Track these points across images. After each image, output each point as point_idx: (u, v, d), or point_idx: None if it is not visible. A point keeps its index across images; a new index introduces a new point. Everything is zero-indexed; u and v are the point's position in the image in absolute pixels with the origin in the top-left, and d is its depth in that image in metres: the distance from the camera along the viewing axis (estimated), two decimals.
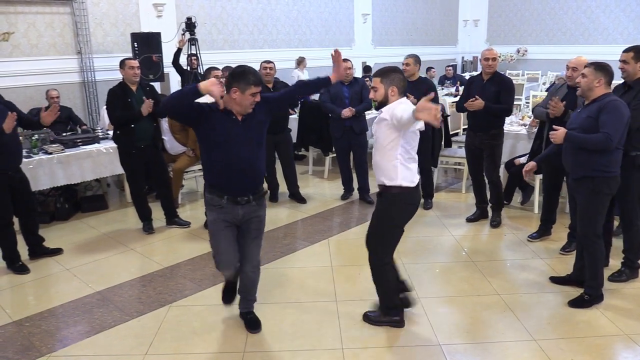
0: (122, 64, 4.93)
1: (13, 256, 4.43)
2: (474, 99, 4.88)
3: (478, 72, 5.24)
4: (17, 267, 4.41)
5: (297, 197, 6.18)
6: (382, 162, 3.18)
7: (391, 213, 3.26)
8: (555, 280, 4.05)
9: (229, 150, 3.02)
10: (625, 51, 3.90)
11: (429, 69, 11.43)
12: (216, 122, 3.01)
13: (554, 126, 3.69)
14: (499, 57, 15.24)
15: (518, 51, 14.75)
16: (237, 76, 2.95)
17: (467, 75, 12.47)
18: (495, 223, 5.29)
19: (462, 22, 16.13)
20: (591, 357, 3.12)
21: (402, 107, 3.04)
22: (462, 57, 15.89)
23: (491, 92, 4.92)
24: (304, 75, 9.92)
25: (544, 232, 4.89)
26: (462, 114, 7.30)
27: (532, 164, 4.16)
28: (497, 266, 4.40)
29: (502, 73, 5.22)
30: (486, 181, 5.34)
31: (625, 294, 3.83)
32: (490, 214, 5.41)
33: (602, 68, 3.54)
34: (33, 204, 4.62)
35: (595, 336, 3.33)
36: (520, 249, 4.75)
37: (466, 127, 7.69)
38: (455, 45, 16.03)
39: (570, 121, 3.80)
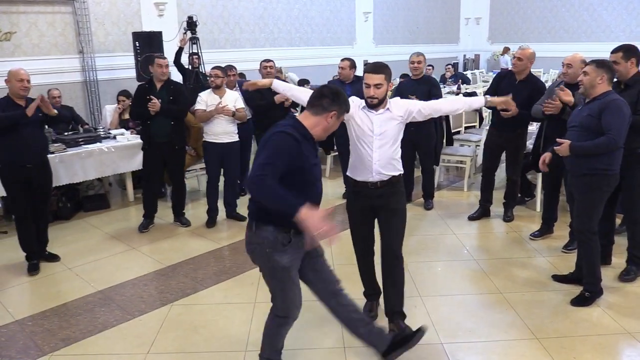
0: (152, 60, 5.05)
1: (29, 251, 4.44)
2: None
3: (509, 68, 5.11)
4: (29, 264, 4.41)
5: None
6: (395, 155, 3.22)
7: (404, 199, 3.35)
8: (558, 278, 4.05)
9: (317, 186, 2.70)
10: (614, 52, 3.88)
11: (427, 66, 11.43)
12: (311, 156, 2.58)
13: (557, 139, 3.67)
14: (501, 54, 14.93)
15: (520, 49, 14.71)
16: (339, 99, 2.60)
17: (469, 74, 12.46)
18: (509, 218, 5.35)
19: (463, 20, 16.09)
20: (593, 356, 3.11)
21: (408, 101, 3.25)
22: (464, 55, 15.84)
23: (524, 95, 4.72)
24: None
25: (545, 230, 4.88)
26: (462, 113, 7.29)
27: (548, 154, 3.89)
28: (499, 264, 4.39)
29: (536, 75, 5.12)
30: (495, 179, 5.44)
31: (628, 292, 3.82)
32: (491, 212, 5.48)
33: (603, 65, 3.53)
34: (45, 203, 4.60)
35: (598, 334, 3.32)
36: (523, 247, 4.74)
37: (468, 124, 7.75)
38: (457, 44, 15.99)
39: (570, 119, 3.79)
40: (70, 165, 5.52)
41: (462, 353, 3.18)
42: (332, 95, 2.59)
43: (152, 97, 4.93)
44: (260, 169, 2.39)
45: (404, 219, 3.31)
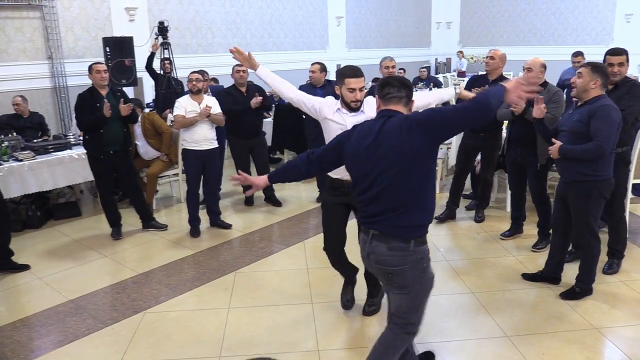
0: (90, 68, 4.93)
1: None
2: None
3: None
4: None
5: (272, 200, 6.19)
6: None
7: None
8: (527, 277, 4.13)
9: None
10: (618, 54, 3.92)
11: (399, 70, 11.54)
12: None
13: (553, 139, 3.69)
14: (472, 57, 15.27)
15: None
16: (410, 85, 2.58)
17: (440, 77, 12.62)
18: (480, 219, 5.45)
19: (435, 24, 16.32)
20: (562, 351, 3.19)
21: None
22: (436, 59, 16.05)
23: None
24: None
25: (516, 230, 4.98)
26: None
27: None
28: (471, 264, 4.47)
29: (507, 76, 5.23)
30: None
31: (595, 289, 3.90)
32: (456, 213, 5.59)
33: (599, 69, 3.49)
34: (6, 216, 4.48)
35: (566, 331, 3.41)
36: (493, 247, 4.82)
37: None
38: (429, 47, 16.20)
39: (561, 122, 3.83)
40: (39, 173, 5.43)
41: (434, 353, 3.22)
42: (404, 84, 2.51)
43: (122, 101, 4.87)
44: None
45: None
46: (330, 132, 3.21)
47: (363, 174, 2.45)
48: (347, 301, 3.73)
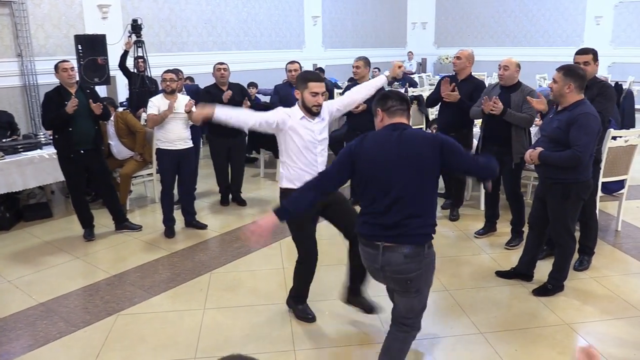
0: (56, 67, 4.83)
1: None
2: (452, 88, 4.99)
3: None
4: None
5: (238, 200, 6.16)
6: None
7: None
8: (501, 274, 4.18)
9: None
10: (584, 53, 3.98)
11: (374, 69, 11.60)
12: None
13: (537, 148, 3.68)
14: (447, 58, 15.45)
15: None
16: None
17: (415, 77, 12.72)
18: (454, 218, 5.52)
19: (410, 24, 16.45)
20: (534, 347, 3.24)
21: (327, 103, 3.42)
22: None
23: (466, 92, 4.99)
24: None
25: (489, 228, 5.04)
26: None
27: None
28: (445, 262, 4.50)
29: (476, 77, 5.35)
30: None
31: (566, 286, 3.97)
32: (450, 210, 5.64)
33: (570, 73, 3.43)
34: None
35: (538, 327, 3.47)
36: (467, 245, 4.88)
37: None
38: (404, 47, 16.31)
39: (542, 126, 3.87)
40: (8, 174, 5.29)
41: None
42: (402, 98, 2.66)
43: (90, 101, 4.78)
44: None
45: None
46: (294, 142, 3.24)
47: (380, 182, 2.52)
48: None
